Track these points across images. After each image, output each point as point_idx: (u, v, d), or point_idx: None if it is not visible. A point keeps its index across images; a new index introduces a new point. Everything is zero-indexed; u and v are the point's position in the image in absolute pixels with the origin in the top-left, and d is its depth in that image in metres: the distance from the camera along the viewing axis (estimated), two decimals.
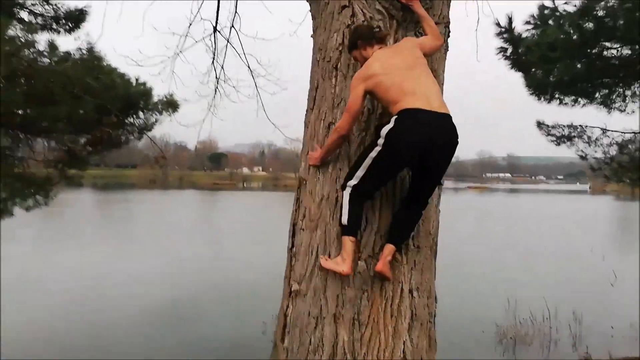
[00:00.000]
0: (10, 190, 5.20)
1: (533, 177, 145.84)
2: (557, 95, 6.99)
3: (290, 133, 6.32)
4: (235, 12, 4.53)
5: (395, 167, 2.17)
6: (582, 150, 7.36)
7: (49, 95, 4.50)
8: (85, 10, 6.86)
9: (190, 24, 5.18)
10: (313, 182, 2.41)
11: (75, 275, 13.00)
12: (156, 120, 7.52)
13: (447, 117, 2.11)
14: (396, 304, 2.24)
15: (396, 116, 2.07)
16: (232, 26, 5.26)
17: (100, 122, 5.14)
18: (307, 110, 2.64)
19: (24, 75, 4.51)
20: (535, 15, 6.24)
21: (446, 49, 2.71)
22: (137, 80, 7.15)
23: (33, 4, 6.17)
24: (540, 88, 6.88)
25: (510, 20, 7.42)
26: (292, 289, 2.35)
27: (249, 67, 4.93)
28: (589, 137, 7.39)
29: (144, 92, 7.00)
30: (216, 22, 5.58)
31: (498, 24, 7.47)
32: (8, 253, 17.06)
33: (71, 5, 6.66)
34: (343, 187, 2.21)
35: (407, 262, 2.31)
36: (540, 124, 7.75)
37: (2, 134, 4.86)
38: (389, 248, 2.17)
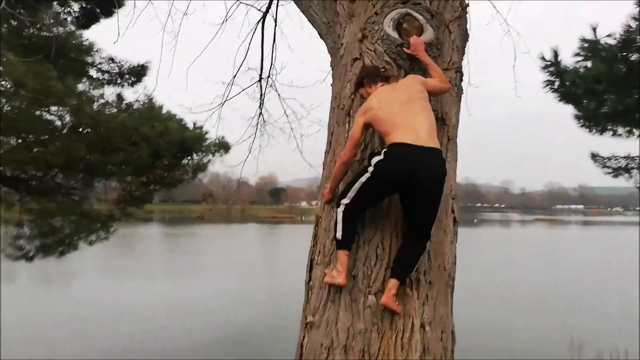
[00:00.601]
0: (76, 227, 5.74)
1: (608, 209, 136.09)
2: (609, 127, 6.77)
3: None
4: (271, 64, 4.90)
5: (381, 194, 2.38)
6: None
7: (109, 143, 5.00)
8: (146, 66, 7.59)
9: (235, 75, 5.63)
10: (327, 219, 2.57)
11: (143, 304, 13.86)
12: (209, 161, 8.06)
13: (433, 151, 2.28)
14: (407, 338, 2.32)
15: (385, 149, 2.29)
16: (268, 76, 5.68)
17: (154, 165, 5.61)
18: (324, 153, 2.84)
19: (88, 126, 5.07)
20: (578, 48, 6.16)
21: (459, 93, 2.84)
22: (194, 125, 7.75)
23: (100, 63, 6.94)
24: (590, 120, 6.71)
25: (555, 53, 7.35)
26: (308, 321, 2.49)
27: (285, 112, 5.29)
28: None
29: (197, 136, 7.54)
30: (261, 71, 6.03)
31: (543, 58, 7.42)
32: (88, 283, 18.40)
33: (134, 61, 7.42)
34: (337, 205, 2.42)
35: (419, 297, 2.39)
36: (594, 156, 7.48)
37: (66, 176, 5.42)
38: (392, 282, 2.28)
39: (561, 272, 19.97)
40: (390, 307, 2.26)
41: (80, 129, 5.08)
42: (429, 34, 2.64)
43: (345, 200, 2.38)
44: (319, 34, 3.28)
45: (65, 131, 4.98)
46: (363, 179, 2.33)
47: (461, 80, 2.85)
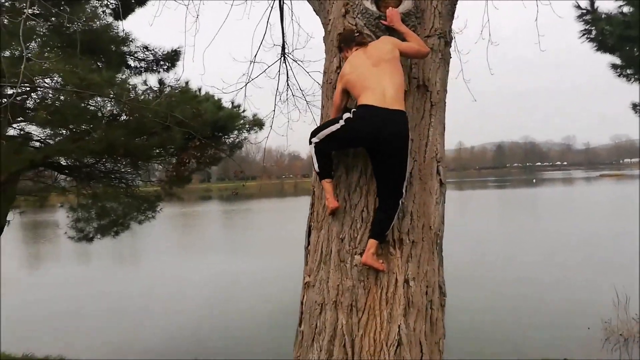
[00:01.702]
0: (124, 208, 6.29)
1: None
2: None
3: None
4: (283, 41, 5.05)
5: (344, 145, 2.64)
6: None
7: (144, 128, 5.41)
8: (179, 51, 7.95)
9: (256, 54, 5.84)
10: (319, 188, 2.78)
11: (206, 279, 14.91)
12: (245, 138, 8.40)
13: (396, 113, 2.45)
14: (391, 293, 2.51)
15: (354, 109, 2.52)
16: (291, 51, 5.83)
17: (187, 147, 6.00)
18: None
19: (125, 114, 5.50)
20: None
21: (444, 58, 2.90)
22: (232, 103, 8.09)
23: (135, 52, 7.36)
24: (626, 68, 6.37)
25: (592, 0, 6.98)
26: (305, 281, 2.74)
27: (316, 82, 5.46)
28: None
29: (231, 115, 7.88)
30: (282, 47, 6.20)
31: (578, 6, 7.08)
32: (152, 260, 19.86)
33: (166, 48, 7.80)
34: (309, 141, 2.65)
35: (402, 255, 2.57)
36: (635, 106, 7.12)
37: (111, 162, 5.92)
38: (370, 242, 2.47)
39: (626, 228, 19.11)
40: (371, 264, 2.46)
41: (118, 117, 5.51)
42: (406, 3, 2.72)
43: (315, 140, 2.63)
44: (314, 10, 3.41)
45: (104, 121, 5.41)
46: (333, 128, 2.56)
47: (447, 45, 2.91)
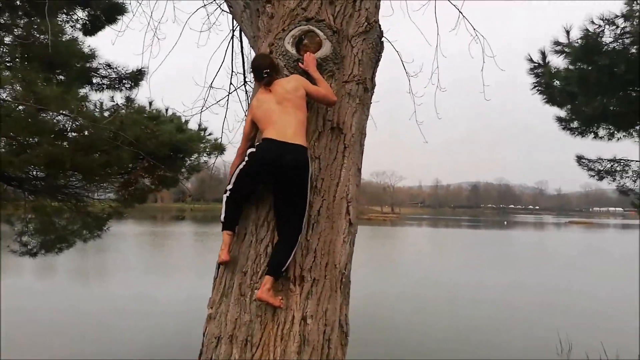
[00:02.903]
0: (68, 225, 6.19)
1: None
2: (590, 130, 6.71)
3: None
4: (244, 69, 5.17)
5: (253, 180, 2.70)
6: (623, 185, 6.91)
7: (93, 145, 5.40)
8: (143, 71, 8.00)
9: (212, 82, 5.93)
10: None
11: (173, 297, 14.71)
12: (205, 162, 8.42)
13: (295, 146, 2.58)
14: (287, 329, 2.53)
15: (258, 143, 2.66)
16: (246, 81, 5.94)
17: (134, 168, 5.99)
18: None
19: (74, 130, 5.48)
20: (550, 51, 6.16)
21: (362, 102, 3.01)
22: (199, 126, 8.13)
23: (98, 69, 7.39)
24: (568, 122, 6.68)
25: (543, 55, 7.33)
26: (208, 313, 2.75)
27: None
28: (634, 172, 6.92)
29: (190, 138, 7.91)
30: (244, 76, 6.31)
31: (531, 59, 7.42)
32: (122, 279, 19.46)
33: (130, 67, 7.85)
34: (224, 192, 2.73)
35: (302, 293, 2.60)
36: (580, 159, 7.42)
37: (53, 176, 5.85)
38: (266, 278, 2.50)
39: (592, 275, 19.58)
40: (266, 300, 2.49)
41: (66, 132, 5.49)
42: (325, 49, 2.84)
43: (229, 186, 2.73)
44: (250, 46, 3.53)
45: (52, 135, 5.38)
46: (240, 166, 2.71)
47: (366, 91, 3.03)
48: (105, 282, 19.54)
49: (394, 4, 5.38)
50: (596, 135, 6.71)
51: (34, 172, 6.42)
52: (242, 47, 6.12)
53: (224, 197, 2.74)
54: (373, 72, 3.17)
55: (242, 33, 6.06)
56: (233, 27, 5.54)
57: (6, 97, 5.51)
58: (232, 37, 5.51)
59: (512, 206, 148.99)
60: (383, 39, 3.21)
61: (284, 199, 2.60)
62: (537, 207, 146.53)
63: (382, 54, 3.25)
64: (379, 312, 14.51)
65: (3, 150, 5.38)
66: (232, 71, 5.27)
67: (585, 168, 7.25)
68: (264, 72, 2.74)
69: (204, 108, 6.03)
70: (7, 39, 7.39)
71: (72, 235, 6.92)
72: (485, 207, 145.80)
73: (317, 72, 2.75)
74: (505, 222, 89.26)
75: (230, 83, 5.65)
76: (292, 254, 2.56)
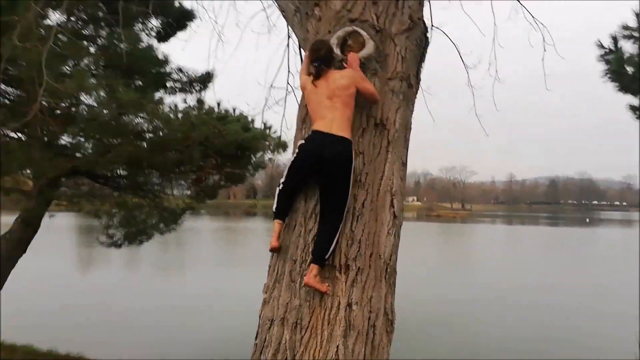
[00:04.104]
0: (148, 218, 6.78)
1: None
2: None
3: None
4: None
5: (300, 171, 2.86)
6: None
7: (166, 145, 5.88)
8: (212, 73, 8.51)
9: (272, 83, 6.20)
10: None
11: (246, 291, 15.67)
12: (270, 159, 8.81)
13: (341, 139, 2.72)
14: (333, 314, 2.70)
15: (307, 135, 2.84)
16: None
17: (202, 165, 6.44)
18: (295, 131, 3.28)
19: (150, 131, 6.00)
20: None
21: (406, 98, 3.10)
22: (264, 124, 8.54)
23: (170, 73, 7.97)
24: None
25: (615, 40, 6.91)
26: (263, 297, 2.98)
27: None
28: None
29: (255, 136, 8.30)
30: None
31: (601, 45, 7.03)
32: (198, 271, 20.79)
33: (199, 70, 8.37)
34: (278, 184, 2.95)
35: (347, 280, 2.76)
36: None
37: (135, 174, 6.43)
38: (311, 265, 2.68)
39: None
40: (313, 285, 2.67)
41: (143, 133, 6.03)
42: (368, 48, 2.97)
43: (282, 179, 2.93)
44: (301, 47, 3.73)
45: (131, 136, 5.94)
46: (292, 159, 2.89)
47: (410, 86, 3.12)
48: (184, 275, 20.88)
49: None
50: None
51: (118, 171, 7.09)
52: (299, 48, 6.35)
53: (277, 189, 2.94)
54: (418, 68, 3.24)
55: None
56: (288, 29, 5.76)
57: (91, 102, 6.15)
58: (288, 38, 5.74)
59: (596, 202, 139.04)
60: (436, 32, 3.26)
61: (326, 190, 2.76)
62: (625, 203, 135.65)
63: (428, 49, 3.32)
64: (449, 317, 14.28)
65: (90, 151, 5.99)
66: (289, 71, 5.49)
67: None
68: (314, 63, 2.88)
69: (266, 107, 6.32)
70: (91, 49, 8.15)
71: (151, 229, 7.55)
72: (565, 203, 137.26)
73: (360, 72, 2.88)
74: (588, 219, 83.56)
75: (287, 83, 5.89)
76: (334, 243, 2.72)
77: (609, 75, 6.99)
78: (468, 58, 5.56)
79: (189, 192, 9.13)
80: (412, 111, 3.18)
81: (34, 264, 12.26)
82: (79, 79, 5.09)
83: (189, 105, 6.99)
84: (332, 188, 2.75)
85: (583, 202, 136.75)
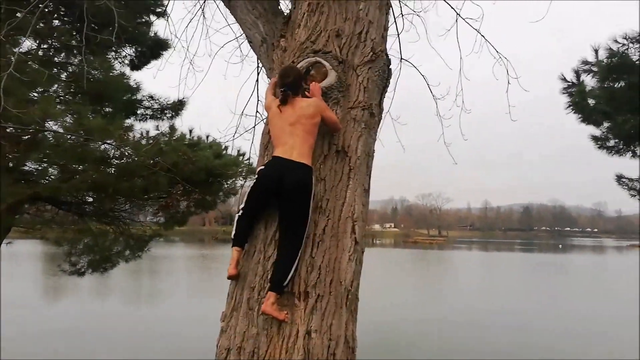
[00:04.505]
0: (113, 246, 6.63)
1: None
2: (628, 148, 6.51)
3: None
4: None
5: (259, 197, 2.87)
6: None
7: (132, 172, 5.81)
8: (184, 101, 8.52)
9: (243, 111, 6.25)
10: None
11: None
12: (241, 185, 8.76)
13: (300, 165, 2.74)
14: (291, 342, 2.66)
15: (267, 161, 2.86)
16: None
17: (170, 191, 6.37)
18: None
19: (117, 158, 5.93)
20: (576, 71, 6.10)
21: (368, 126, 3.16)
22: (238, 151, 8.54)
23: (141, 100, 7.95)
24: (604, 141, 6.51)
25: (577, 74, 7.22)
26: (221, 326, 2.92)
27: None
28: None
29: (226, 163, 8.28)
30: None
31: (564, 79, 7.33)
32: (176, 298, 20.34)
33: (171, 98, 8.39)
34: (237, 210, 2.93)
35: (306, 308, 2.73)
36: (620, 178, 7.16)
37: (100, 201, 6.32)
38: (269, 293, 2.66)
39: None
40: (270, 314, 2.63)
41: (108, 159, 5.96)
42: (330, 78, 3.04)
43: (241, 205, 2.91)
44: (268, 77, 3.78)
45: (97, 162, 5.86)
46: (251, 185, 2.91)
47: (372, 115, 3.18)
48: (157, 304, 20.39)
49: (419, 30, 5.54)
50: (634, 154, 6.50)
51: (83, 197, 6.95)
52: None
53: (236, 215, 2.93)
54: (380, 98, 3.32)
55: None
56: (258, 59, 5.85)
57: (57, 128, 6.07)
58: (259, 68, 5.81)
59: (568, 229, 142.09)
60: (398, 65, 3.36)
61: (285, 216, 2.76)
62: (596, 230, 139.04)
63: (390, 80, 3.41)
64: (424, 341, 14.26)
65: (52, 177, 5.88)
66: (259, 100, 5.55)
67: (626, 187, 7.00)
68: (282, 89, 2.90)
69: (237, 134, 6.34)
70: (62, 76, 8.08)
71: (116, 256, 7.37)
72: (539, 230, 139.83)
73: (323, 101, 2.93)
74: (560, 246, 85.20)
75: (257, 111, 5.94)
76: (292, 270, 2.70)
77: (571, 107, 7.29)
78: (437, 89, 5.73)
79: (157, 219, 9.00)
80: (374, 139, 3.24)
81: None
82: (45, 105, 5.02)
83: (160, 132, 6.96)
84: (291, 214, 2.75)
85: (556, 228, 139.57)
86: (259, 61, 6.01)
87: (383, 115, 5.26)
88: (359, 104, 3.11)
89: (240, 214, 2.91)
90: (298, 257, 2.73)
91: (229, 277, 2.88)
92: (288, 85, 2.89)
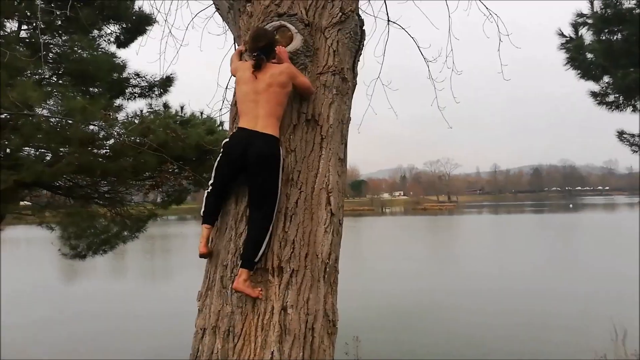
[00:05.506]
0: (121, 226, 6.63)
1: None
2: (628, 102, 6.26)
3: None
4: None
5: (225, 171, 2.74)
6: None
7: (121, 152, 5.71)
8: (172, 77, 8.34)
9: (227, 85, 6.08)
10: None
11: None
12: None
13: (264, 135, 2.60)
14: (267, 319, 2.59)
15: (232, 133, 2.74)
16: None
17: (160, 170, 6.28)
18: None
19: (104, 139, 5.83)
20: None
21: (340, 92, 3.00)
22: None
23: (128, 79, 7.78)
24: (603, 96, 6.26)
25: (575, 28, 6.91)
26: (198, 307, 2.86)
27: None
28: None
29: (219, 139, 8.14)
30: None
31: (562, 34, 7.04)
32: (185, 276, 20.77)
33: (159, 75, 8.19)
34: (206, 187, 2.83)
35: (281, 283, 2.65)
36: (621, 134, 6.93)
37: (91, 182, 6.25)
38: (240, 270, 2.57)
39: None
40: (242, 291, 2.55)
41: (92, 141, 5.86)
42: (295, 42, 2.86)
43: (210, 181, 2.78)
44: (237, 45, 3.61)
45: (82, 143, 5.76)
46: (217, 159, 2.77)
47: (344, 81, 3.02)
48: (169, 282, 20.74)
49: None
50: (634, 109, 6.26)
51: (72, 181, 6.88)
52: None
53: (205, 191, 2.82)
54: (354, 61, 3.15)
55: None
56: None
57: (41, 112, 5.95)
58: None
59: (579, 188, 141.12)
60: (386, 27, 3.17)
61: (253, 190, 2.64)
62: (607, 188, 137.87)
63: (364, 43, 3.23)
64: (436, 310, 14.34)
65: (35, 161, 5.80)
66: None
67: (627, 144, 6.78)
68: (253, 54, 2.71)
69: (222, 109, 6.19)
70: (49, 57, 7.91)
71: (114, 238, 7.36)
72: (550, 190, 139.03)
73: (293, 65, 2.77)
74: (571, 205, 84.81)
75: None
76: (264, 245, 2.61)
77: (570, 63, 7.01)
78: (428, 52, 5.48)
79: (154, 199, 8.97)
80: (348, 106, 3.08)
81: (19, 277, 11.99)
82: (23, 89, 4.89)
83: (149, 111, 6.81)
84: (258, 188, 2.63)
85: (566, 188, 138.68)
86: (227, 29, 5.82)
87: (385, 82, 5.08)
88: (328, 69, 2.94)
89: (209, 190, 2.80)
90: (269, 232, 2.63)
91: (201, 256, 2.79)
92: (262, 49, 2.71)
